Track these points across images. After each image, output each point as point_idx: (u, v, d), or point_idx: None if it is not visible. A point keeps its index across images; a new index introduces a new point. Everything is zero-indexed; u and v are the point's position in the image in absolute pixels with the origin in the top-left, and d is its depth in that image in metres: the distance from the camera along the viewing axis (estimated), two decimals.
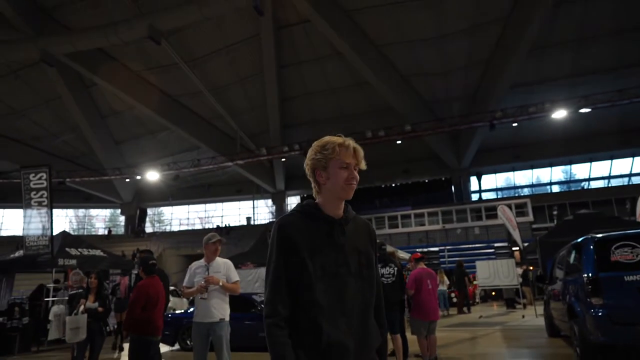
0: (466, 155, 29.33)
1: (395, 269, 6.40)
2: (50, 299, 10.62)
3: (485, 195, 33.15)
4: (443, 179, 33.06)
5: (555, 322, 7.97)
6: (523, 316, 12.72)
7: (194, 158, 28.78)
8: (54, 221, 10.96)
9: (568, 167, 32.96)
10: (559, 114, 21.44)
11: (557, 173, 33.49)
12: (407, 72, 24.44)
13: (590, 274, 5.39)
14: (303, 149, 25.17)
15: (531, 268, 16.60)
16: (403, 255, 12.27)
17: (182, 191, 37.14)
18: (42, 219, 10.71)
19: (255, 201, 38.27)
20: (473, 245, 25.18)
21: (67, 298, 10.58)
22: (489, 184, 34.33)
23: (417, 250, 21.14)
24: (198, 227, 40.33)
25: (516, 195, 33.10)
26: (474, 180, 32.89)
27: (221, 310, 4.46)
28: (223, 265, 4.60)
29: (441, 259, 24.52)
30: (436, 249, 25.53)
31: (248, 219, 37.81)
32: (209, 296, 4.41)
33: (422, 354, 6.48)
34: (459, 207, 28.21)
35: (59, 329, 9.85)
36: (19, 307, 10.48)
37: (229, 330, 4.52)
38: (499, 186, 34.65)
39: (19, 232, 35.35)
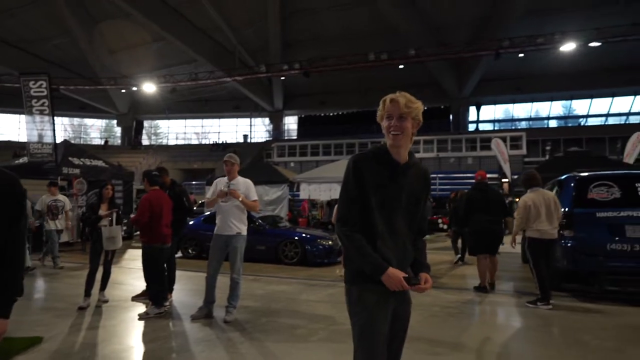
0: (468, 84, 28.94)
1: None
2: None
3: (482, 126, 33.22)
4: (442, 107, 32.83)
5: None
6: (502, 243, 13.53)
7: (191, 71, 28.13)
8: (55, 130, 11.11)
9: (568, 102, 32.78)
10: (568, 46, 20.89)
11: (556, 108, 33.42)
12: None
13: (566, 209, 5.82)
14: (303, 68, 24.60)
15: (517, 200, 17.29)
16: None
17: (179, 105, 36.72)
18: (44, 126, 10.84)
19: (253, 119, 38.11)
20: (464, 175, 25.78)
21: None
22: (487, 115, 34.27)
23: None
24: (194, 142, 40.55)
25: (513, 127, 33.22)
26: (472, 110, 32.76)
27: (239, 224, 4.90)
28: (243, 184, 4.96)
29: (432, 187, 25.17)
30: None
31: (245, 136, 37.92)
32: (228, 212, 4.82)
33: None
34: (455, 137, 28.42)
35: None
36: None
37: (245, 244, 4.98)
38: (497, 118, 34.65)
39: (14, 137, 35.64)
